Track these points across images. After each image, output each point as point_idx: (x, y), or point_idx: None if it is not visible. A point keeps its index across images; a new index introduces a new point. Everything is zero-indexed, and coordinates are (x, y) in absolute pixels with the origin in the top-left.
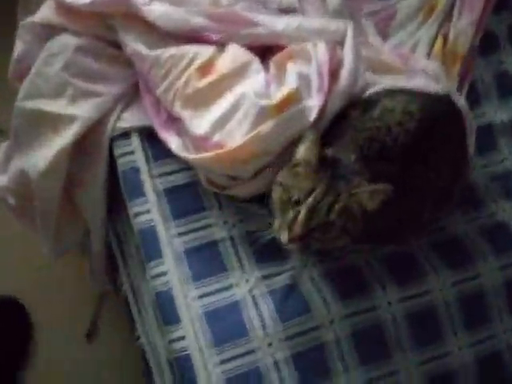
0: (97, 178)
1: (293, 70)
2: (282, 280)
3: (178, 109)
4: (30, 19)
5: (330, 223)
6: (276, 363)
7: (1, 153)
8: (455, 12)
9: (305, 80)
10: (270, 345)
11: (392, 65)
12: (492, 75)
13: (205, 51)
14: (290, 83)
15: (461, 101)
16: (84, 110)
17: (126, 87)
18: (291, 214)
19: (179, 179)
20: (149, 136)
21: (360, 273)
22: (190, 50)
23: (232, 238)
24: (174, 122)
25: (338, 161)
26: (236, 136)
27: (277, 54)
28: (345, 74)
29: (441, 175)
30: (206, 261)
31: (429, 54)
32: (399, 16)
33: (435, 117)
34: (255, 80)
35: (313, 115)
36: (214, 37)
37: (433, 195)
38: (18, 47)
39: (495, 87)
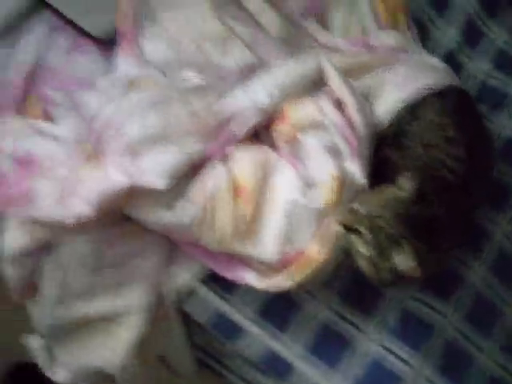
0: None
1: (311, 143)
2: None
3: (238, 247)
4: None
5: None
6: None
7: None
8: None
9: (335, 152)
10: None
11: (364, 61)
12: None
13: (219, 179)
14: (329, 169)
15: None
16: (135, 297)
17: (163, 252)
18: (355, 207)
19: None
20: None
21: None
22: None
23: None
24: (234, 259)
25: None
26: (304, 242)
27: (274, 128)
28: (358, 120)
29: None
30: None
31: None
32: None
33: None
34: (287, 180)
35: (363, 178)
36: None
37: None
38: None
39: None
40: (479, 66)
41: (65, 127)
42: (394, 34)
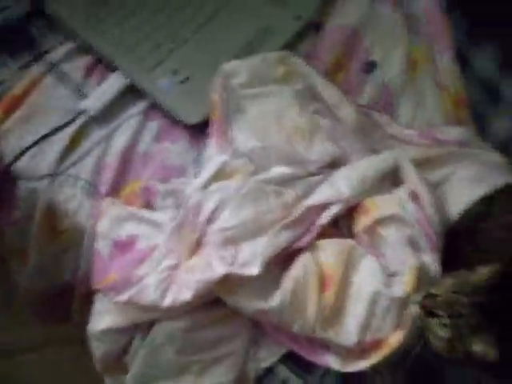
0: None
1: (392, 236)
2: None
3: (321, 333)
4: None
5: (447, 324)
6: None
7: None
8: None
9: (414, 245)
10: None
11: (434, 155)
12: None
13: (308, 267)
14: (409, 260)
15: None
16: (218, 377)
17: (249, 334)
18: (434, 291)
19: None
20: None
21: None
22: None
23: None
24: (315, 342)
25: None
26: (385, 330)
27: (356, 220)
28: (433, 215)
29: None
30: None
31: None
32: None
33: None
34: (371, 270)
35: (439, 270)
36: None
37: None
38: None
39: None
40: None
41: (165, 215)
42: (461, 129)
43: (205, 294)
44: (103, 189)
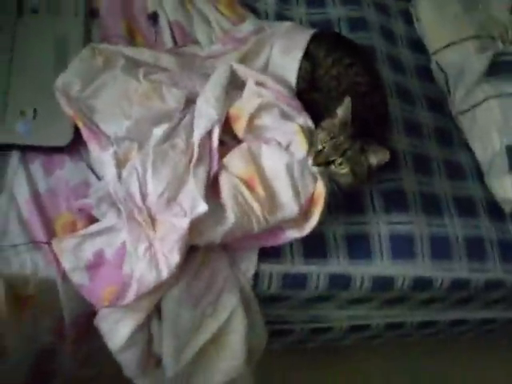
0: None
1: (267, 120)
2: None
3: (272, 219)
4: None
5: (342, 162)
6: None
7: None
8: None
9: (287, 116)
10: None
11: (246, 50)
12: None
13: (230, 183)
14: (291, 127)
15: None
16: (228, 304)
17: (226, 258)
18: (320, 147)
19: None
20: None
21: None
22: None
23: None
24: (272, 232)
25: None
26: (309, 185)
27: (234, 129)
28: (280, 87)
29: None
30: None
31: None
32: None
33: None
34: (272, 154)
35: (312, 123)
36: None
37: None
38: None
39: None
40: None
41: (109, 218)
42: (247, 22)
43: (184, 250)
44: (40, 238)
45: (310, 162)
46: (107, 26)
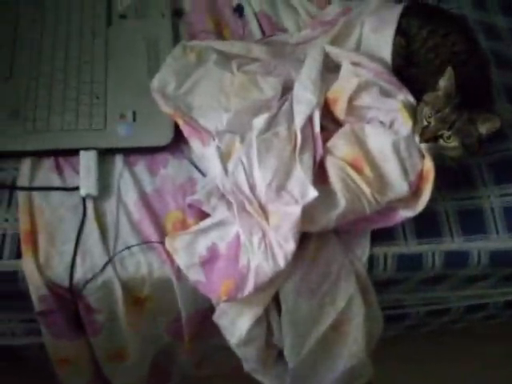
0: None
1: (368, 100)
2: None
3: (383, 199)
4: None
5: (451, 135)
6: None
7: None
8: None
9: (388, 94)
10: None
11: (337, 32)
12: None
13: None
14: (394, 105)
15: None
16: (344, 293)
17: (339, 244)
18: (425, 122)
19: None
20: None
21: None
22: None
23: None
24: (384, 213)
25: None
26: (418, 162)
27: (334, 112)
28: (379, 66)
29: None
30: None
31: None
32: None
33: None
34: (377, 134)
35: (413, 99)
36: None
37: None
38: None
39: None
40: None
41: (221, 212)
42: (333, 4)
43: (298, 237)
44: (153, 238)
45: (417, 138)
46: (194, 23)
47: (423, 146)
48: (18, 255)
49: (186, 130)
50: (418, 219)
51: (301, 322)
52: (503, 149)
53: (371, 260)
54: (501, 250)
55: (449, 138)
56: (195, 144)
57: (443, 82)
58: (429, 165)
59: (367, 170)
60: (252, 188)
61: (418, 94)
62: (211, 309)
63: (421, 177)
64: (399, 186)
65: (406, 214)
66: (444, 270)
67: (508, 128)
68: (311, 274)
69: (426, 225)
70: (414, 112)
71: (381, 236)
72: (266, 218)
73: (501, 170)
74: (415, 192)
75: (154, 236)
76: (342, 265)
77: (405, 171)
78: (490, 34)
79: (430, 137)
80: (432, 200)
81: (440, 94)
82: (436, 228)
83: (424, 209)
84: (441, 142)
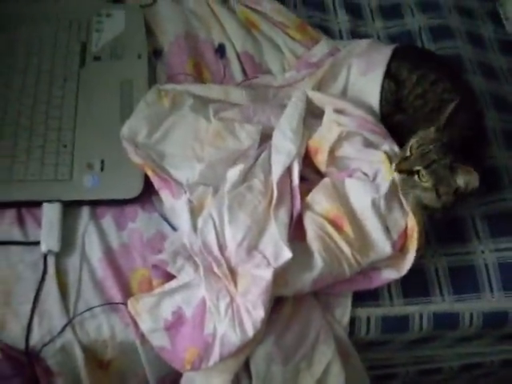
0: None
1: (350, 151)
2: None
3: (365, 260)
4: None
5: (426, 174)
6: None
7: None
8: None
9: (370, 144)
10: None
11: (322, 73)
12: None
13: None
14: (376, 156)
15: None
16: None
17: (317, 305)
18: (408, 153)
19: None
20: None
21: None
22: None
23: None
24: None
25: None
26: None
27: (315, 162)
28: (362, 113)
29: None
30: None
31: None
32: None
33: None
34: (357, 189)
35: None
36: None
37: None
38: None
39: None
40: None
41: (186, 274)
42: (320, 44)
43: (269, 304)
44: (117, 297)
45: (393, 166)
46: (172, 64)
47: (396, 175)
48: None
49: (155, 181)
50: (405, 277)
51: None
52: (499, 199)
53: (353, 322)
54: (495, 311)
55: (423, 176)
56: (165, 196)
57: (442, 116)
58: (412, 221)
59: (348, 229)
60: (221, 248)
61: (404, 141)
62: (180, 374)
63: (405, 235)
64: (381, 246)
65: (390, 275)
66: (433, 332)
67: (505, 176)
68: (286, 339)
69: (414, 283)
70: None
71: (363, 295)
72: (235, 282)
73: (496, 223)
74: (400, 251)
75: (117, 296)
76: (321, 328)
77: (386, 230)
78: (487, 75)
79: (404, 168)
80: (421, 256)
81: (432, 129)
82: (425, 287)
83: (412, 264)
84: (415, 177)
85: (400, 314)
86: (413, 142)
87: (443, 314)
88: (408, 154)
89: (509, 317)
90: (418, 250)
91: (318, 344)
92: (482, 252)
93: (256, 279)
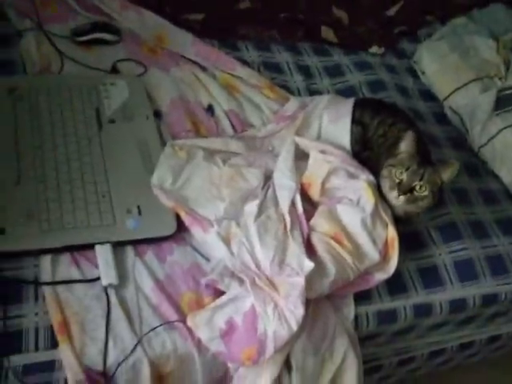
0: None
1: (337, 182)
2: None
3: (362, 267)
4: None
5: (423, 185)
6: None
7: None
8: None
9: (352, 175)
10: None
11: (299, 123)
12: None
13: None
14: (359, 184)
15: None
16: (341, 347)
17: (331, 306)
18: (397, 180)
19: None
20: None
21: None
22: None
23: None
24: (363, 278)
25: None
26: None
27: (309, 196)
28: (340, 152)
29: None
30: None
31: None
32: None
33: None
34: (348, 210)
35: (373, 179)
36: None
37: None
38: None
39: None
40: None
41: (234, 288)
42: (292, 100)
43: (305, 303)
44: (173, 317)
45: (395, 193)
46: (173, 123)
47: (401, 198)
48: (53, 345)
49: (187, 220)
50: (388, 279)
51: (309, 378)
52: (445, 212)
53: (356, 318)
54: (457, 299)
55: (421, 187)
56: (196, 232)
57: (405, 146)
58: (392, 233)
59: (346, 243)
60: (257, 265)
61: (373, 173)
62: (225, 377)
63: (387, 244)
64: (372, 254)
65: (381, 276)
66: (414, 321)
67: (446, 195)
68: (314, 334)
69: (395, 283)
70: (376, 189)
71: (361, 297)
72: (275, 290)
73: (446, 231)
74: (385, 257)
75: (173, 316)
76: (336, 324)
77: (374, 242)
78: (416, 118)
79: (406, 189)
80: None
81: (404, 155)
82: (403, 285)
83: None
84: (415, 193)
85: (389, 308)
86: (394, 170)
87: (420, 305)
88: (398, 180)
89: (467, 302)
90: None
91: (336, 337)
92: (440, 254)
93: (293, 285)
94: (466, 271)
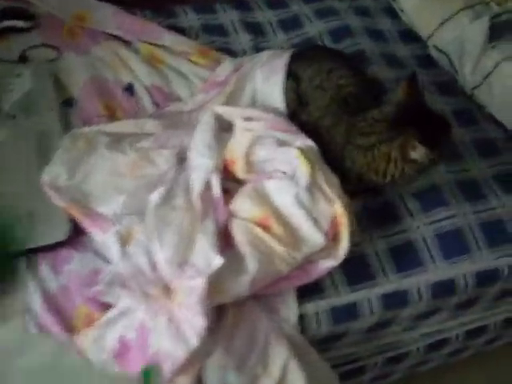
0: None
1: (263, 153)
2: None
3: (299, 255)
4: None
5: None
6: None
7: None
8: None
9: (282, 143)
10: None
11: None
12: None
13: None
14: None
15: None
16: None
17: (260, 309)
18: None
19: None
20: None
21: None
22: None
23: None
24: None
25: None
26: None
27: (233, 173)
28: (270, 115)
29: None
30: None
31: None
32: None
33: None
34: (279, 188)
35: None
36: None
37: None
38: None
39: None
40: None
41: (124, 300)
42: (223, 64)
43: (208, 311)
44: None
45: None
46: (85, 109)
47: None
48: None
49: (83, 222)
50: (347, 266)
51: None
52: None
53: (302, 319)
54: (442, 281)
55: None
56: (95, 233)
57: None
58: (339, 208)
59: (276, 228)
60: (153, 267)
61: (317, 136)
62: None
63: (335, 222)
64: (313, 238)
65: (327, 264)
66: (386, 314)
67: None
68: (235, 346)
69: (357, 269)
70: (313, 156)
71: (308, 291)
72: (172, 298)
73: (425, 197)
74: (334, 239)
75: (62, 336)
76: (269, 330)
77: (315, 221)
78: (392, 64)
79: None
80: (358, 243)
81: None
82: (368, 271)
83: (351, 253)
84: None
85: (348, 303)
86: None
87: (392, 293)
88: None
89: (455, 284)
90: (351, 236)
91: (270, 346)
92: (418, 227)
93: (190, 289)
94: (452, 245)
